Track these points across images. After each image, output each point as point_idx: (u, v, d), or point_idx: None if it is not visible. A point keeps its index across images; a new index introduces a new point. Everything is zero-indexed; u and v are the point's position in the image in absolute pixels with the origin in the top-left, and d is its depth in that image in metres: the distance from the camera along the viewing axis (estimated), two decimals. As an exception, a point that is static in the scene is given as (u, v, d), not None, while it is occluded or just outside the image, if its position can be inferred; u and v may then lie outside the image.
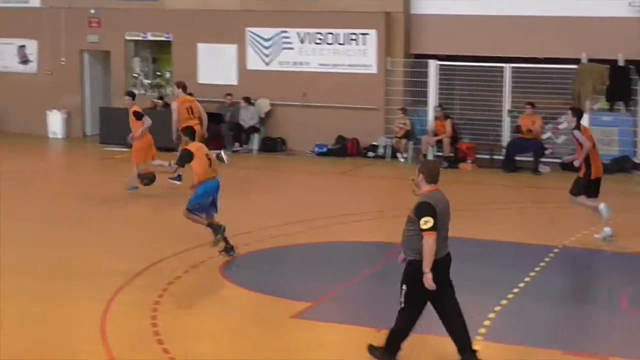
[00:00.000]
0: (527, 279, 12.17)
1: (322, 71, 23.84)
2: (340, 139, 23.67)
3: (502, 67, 22.20)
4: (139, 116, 17.66)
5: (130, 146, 18.59)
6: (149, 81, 26.44)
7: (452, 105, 23.17)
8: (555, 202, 17.11)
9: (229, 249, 13.14)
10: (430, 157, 22.06)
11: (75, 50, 26.43)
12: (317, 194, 18.86)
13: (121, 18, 25.73)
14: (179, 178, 16.36)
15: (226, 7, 24.62)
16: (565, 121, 17.37)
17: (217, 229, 13.04)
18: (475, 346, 9.02)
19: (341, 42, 23.66)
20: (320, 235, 14.83)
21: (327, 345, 9.87)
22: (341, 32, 23.61)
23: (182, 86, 19.12)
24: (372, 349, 9.07)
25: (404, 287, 8.76)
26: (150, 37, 25.91)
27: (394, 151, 22.89)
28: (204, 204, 13.06)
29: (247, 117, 24.00)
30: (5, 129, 26.75)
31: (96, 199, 17.50)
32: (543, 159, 21.23)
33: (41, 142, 25.76)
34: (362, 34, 23.44)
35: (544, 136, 21.46)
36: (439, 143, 22.33)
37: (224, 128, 24.11)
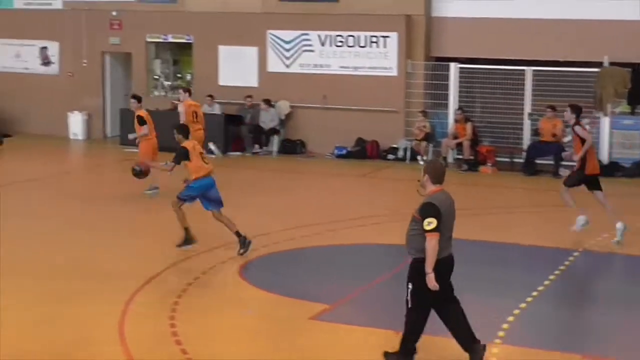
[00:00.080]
0: (546, 282, 12.11)
1: (342, 73, 23.84)
2: (360, 142, 23.65)
3: (522, 70, 22.13)
4: (141, 122, 18.06)
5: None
6: (170, 83, 26.54)
7: (472, 108, 23.09)
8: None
9: (243, 241, 13.25)
10: (450, 160, 22.02)
11: (96, 52, 26.57)
12: (336, 196, 18.83)
13: (142, 20, 25.84)
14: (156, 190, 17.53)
15: (247, 9, 24.68)
16: (569, 133, 17.39)
17: (243, 242, 13.24)
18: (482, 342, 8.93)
19: (362, 44, 23.65)
20: (339, 237, 14.81)
21: (345, 347, 9.83)
22: (362, 34, 23.61)
23: (188, 91, 20.36)
24: (387, 355, 9.01)
25: (410, 285, 8.74)
26: (171, 39, 26.00)
27: (414, 154, 22.82)
28: (194, 196, 13.30)
29: (267, 119, 24.02)
30: (27, 131, 26.92)
31: (116, 200, 17.59)
32: (563, 162, 21.13)
33: (62, 143, 25.87)
34: (383, 36, 23.42)
35: (566, 139, 21.34)
36: (459, 146, 22.29)
37: (244, 130, 24.20)
